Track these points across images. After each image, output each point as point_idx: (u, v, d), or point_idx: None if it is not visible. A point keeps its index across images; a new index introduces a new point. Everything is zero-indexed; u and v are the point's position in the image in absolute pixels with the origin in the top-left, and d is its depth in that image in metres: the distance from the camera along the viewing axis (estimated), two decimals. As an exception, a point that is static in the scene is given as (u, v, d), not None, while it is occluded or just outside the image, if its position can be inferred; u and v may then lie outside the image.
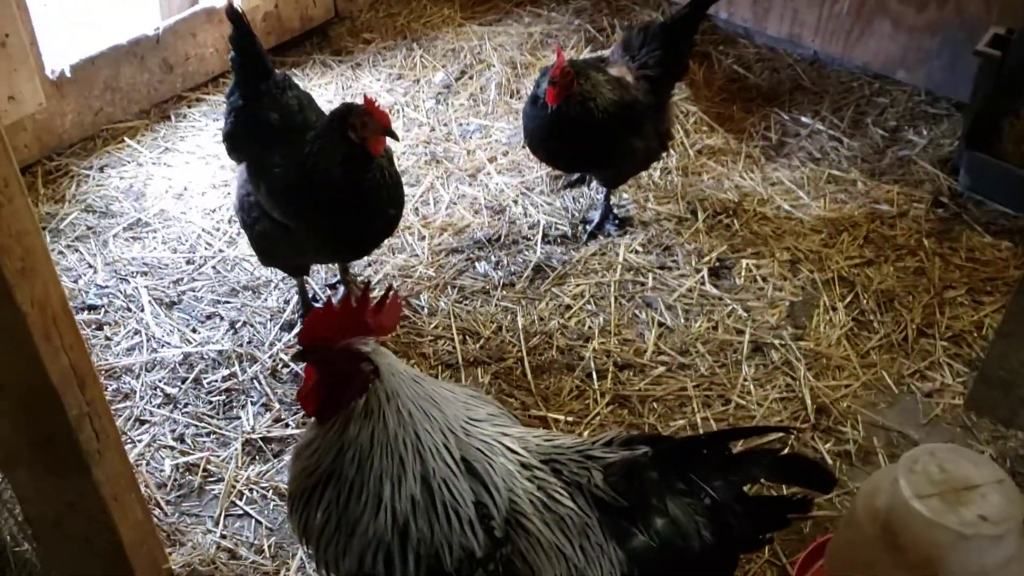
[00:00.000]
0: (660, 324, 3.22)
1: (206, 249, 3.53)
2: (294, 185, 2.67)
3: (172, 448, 2.77)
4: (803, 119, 4.34)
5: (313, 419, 1.73)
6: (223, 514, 2.60)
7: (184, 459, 2.74)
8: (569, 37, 4.75)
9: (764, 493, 2.38)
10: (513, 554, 1.66)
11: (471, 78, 4.53)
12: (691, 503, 1.72)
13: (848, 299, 3.33)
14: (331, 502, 1.66)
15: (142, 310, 3.25)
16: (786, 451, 2.70)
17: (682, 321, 3.23)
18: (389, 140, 2.60)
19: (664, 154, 3.60)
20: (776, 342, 3.14)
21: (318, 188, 2.62)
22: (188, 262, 3.47)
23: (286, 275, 3.27)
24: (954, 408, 2.94)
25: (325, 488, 1.67)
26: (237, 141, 2.94)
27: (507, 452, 1.73)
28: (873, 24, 4.48)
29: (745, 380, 3.00)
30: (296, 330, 3.12)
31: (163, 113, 4.31)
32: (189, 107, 4.34)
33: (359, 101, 2.59)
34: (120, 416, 2.86)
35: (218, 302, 3.29)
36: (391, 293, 1.71)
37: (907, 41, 4.43)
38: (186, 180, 3.90)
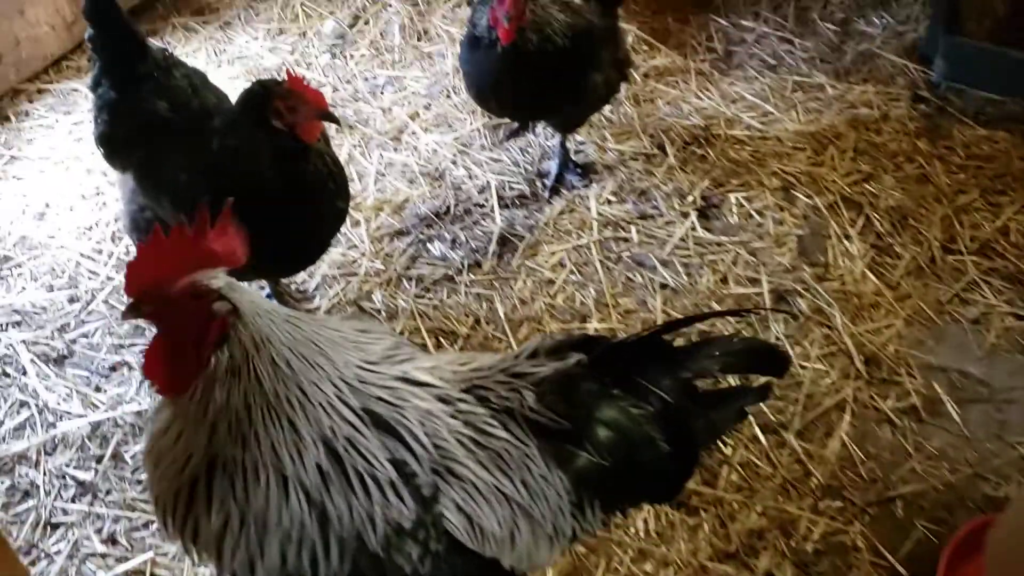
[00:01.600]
0: (662, 286, 2.74)
1: (90, 280, 2.81)
2: (210, 195, 2.02)
3: (104, 556, 2.14)
4: (744, 23, 3.89)
5: (165, 395, 1.38)
6: (192, 631, 2.01)
7: (123, 567, 2.11)
8: (469, -38, 4.12)
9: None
10: (447, 509, 1.42)
11: (367, 23, 3.86)
12: (638, 410, 1.51)
13: (859, 223, 2.92)
14: (225, 494, 1.34)
15: (24, 373, 2.54)
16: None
17: (685, 278, 2.76)
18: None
19: (624, 84, 3.08)
20: (798, 287, 2.71)
21: (245, 195, 1.99)
22: (72, 300, 2.76)
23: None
24: (1007, 332, 2.59)
25: (211, 479, 1.35)
26: (117, 145, 2.24)
27: (418, 390, 1.47)
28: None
29: (778, 339, 2.56)
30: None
31: (-1, 113, 3.50)
32: (31, 101, 3.53)
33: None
34: (24, 523, 2.20)
35: (120, 347, 2.61)
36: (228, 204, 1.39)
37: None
38: (45, 194, 3.14)
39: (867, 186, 3.06)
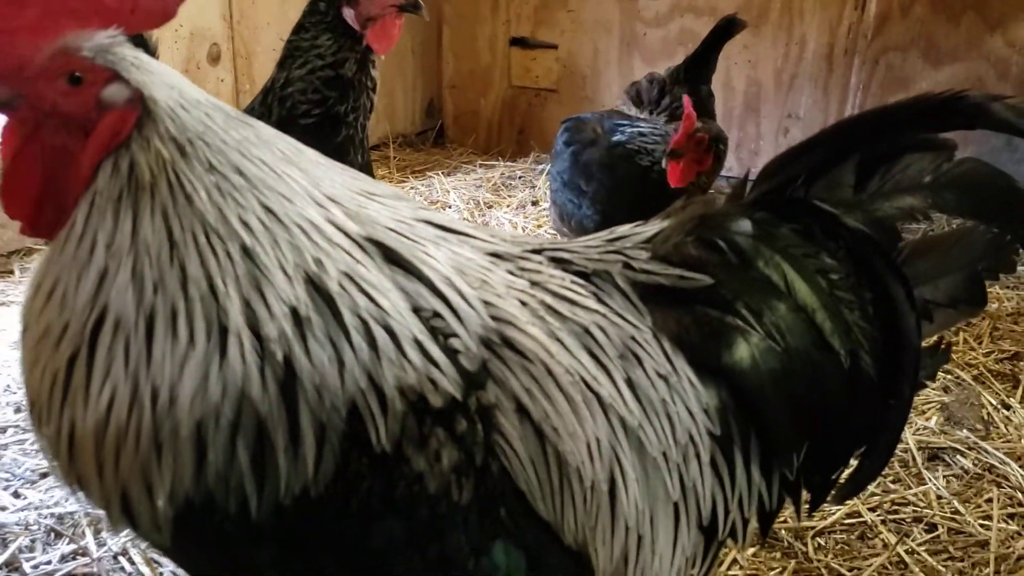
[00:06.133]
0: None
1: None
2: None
3: None
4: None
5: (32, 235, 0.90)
6: None
7: None
8: (536, 178, 3.97)
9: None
10: (501, 409, 0.89)
11: (423, 220, 3.61)
12: (815, 261, 0.99)
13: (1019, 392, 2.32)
14: (113, 360, 0.82)
15: (-71, 470, 1.92)
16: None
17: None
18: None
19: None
20: (957, 446, 2.06)
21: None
22: (17, 410, 2.20)
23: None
24: None
25: (94, 347, 0.83)
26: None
27: (453, 237, 0.98)
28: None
29: (942, 498, 1.87)
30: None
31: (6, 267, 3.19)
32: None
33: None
34: None
35: (63, 454, 1.98)
36: None
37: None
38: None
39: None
